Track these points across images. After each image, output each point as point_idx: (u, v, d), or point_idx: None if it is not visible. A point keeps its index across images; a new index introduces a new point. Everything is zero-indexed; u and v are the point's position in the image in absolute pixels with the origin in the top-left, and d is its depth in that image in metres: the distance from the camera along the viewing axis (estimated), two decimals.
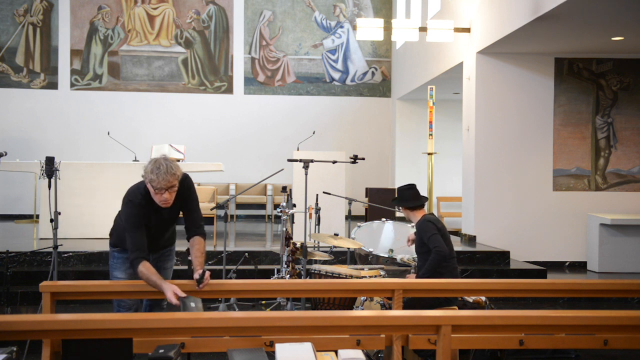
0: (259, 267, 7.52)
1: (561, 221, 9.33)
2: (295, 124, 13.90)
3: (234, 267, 7.28)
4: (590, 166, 9.39)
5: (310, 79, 14.19)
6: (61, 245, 4.91)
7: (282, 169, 7.65)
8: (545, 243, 9.31)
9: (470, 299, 4.86)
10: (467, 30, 9.35)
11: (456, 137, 12.09)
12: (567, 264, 9.36)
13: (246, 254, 7.93)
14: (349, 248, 6.63)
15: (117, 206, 4.44)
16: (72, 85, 13.73)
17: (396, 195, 5.31)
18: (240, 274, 7.23)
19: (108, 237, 4.40)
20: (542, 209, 9.33)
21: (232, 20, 14.05)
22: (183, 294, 3.80)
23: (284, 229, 6.43)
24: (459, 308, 4.68)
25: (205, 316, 3.29)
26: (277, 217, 12.25)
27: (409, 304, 4.56)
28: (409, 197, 5.09)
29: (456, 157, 12.10)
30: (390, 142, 14.30)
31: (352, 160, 6.48)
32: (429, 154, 9.54)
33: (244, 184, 13.32)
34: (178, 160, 9.24)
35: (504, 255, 8.39)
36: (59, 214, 4.67)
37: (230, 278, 6.77)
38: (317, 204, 7.06)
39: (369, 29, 9.52)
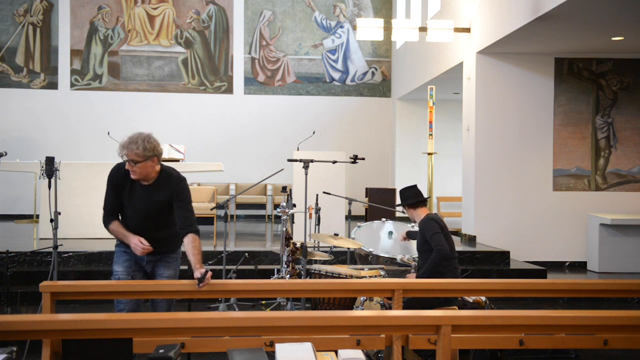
0: (259, 267, 7.52)
1: (561, 221, 9.33)
2: (295, 124, 13.90)
3: (234, 267, 7.28)
4: (590, 166, 9.39)
5: (310, 79, 14.19)
6: (61, 245, 4.91)
7: (282, 169, 7.65)
8: (545, 243, 9.31)
9: (470, 299, 4.86)
10: (467, 30, 9.35)
11: (456, 137, 12.09)
12: (567, 264, 9.36)
13: (246, 254, 7.93)
14: (349, 248, 6.63)
15: None
16: (72, 85, 13.73)
17: (398, 198, 5.35)
18: (240, 274, 7.23)
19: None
20: (542, 209, 9.33)
21: (232, 20, 14.05)
22: (147, 244, 4.06)
23: (284, 229, 6.43)
24: (459, 308, 4.68)
25: (205, 316, 3.29)
26: (277, 217, 12.25)
27: (409, 304, 4.56)
28: (410, 195, 5.14)
29: (456, 157, 12.10)
30: (390, 142, 14.30)
31: (352, 160, 6.48)
32: (429, 154, 9.54)
33: (244, 184, 13.31)
34: (177, 160, 9.24)
35: (504, 255, 8.39)
36: (59, 214, 4.67)
37: (230, 278, 6.77)
38: (317, 204, 7.06)
39: (369, 29, 9.52)
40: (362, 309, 4.89)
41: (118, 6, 13.81)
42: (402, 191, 5.22)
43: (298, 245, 5.95)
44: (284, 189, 6.99)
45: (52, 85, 13.67)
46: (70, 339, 3.01)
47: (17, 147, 12.61)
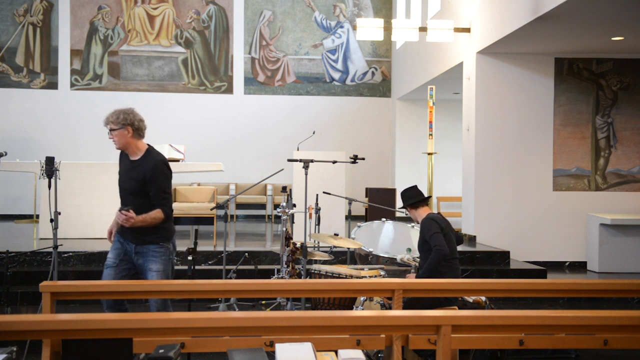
0: (259, 267, 7.52)
1: (561, 221, 9.33)
2: (295, 124, 13.90)
3: (234, 267, 7.28)
4: (590, 166, 9.39)
5: (310, 79, 14.19)
6: (61, 245, 4.91)
7: (282, 169, 7.65)
8: (545, 243, 9.31)
9: (470, 299, 4.86)
10: (467, 30, 9.35)
11: (456, 137, 12.09)
12: (567, 264, 9.36)
13: (246, 254, 7.93)
14: (349, 248, 6.63)
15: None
16: (72, 85, 13.73)
17: (400, 200, 5.36)
18: (240, 274, 7.23)
19: None
20: (542, 209, 9.33)
21: (232, 20, 14.05)
22: (128, 213, 4.22)
23: (284, 229, 6.43)
24: (459, 308, 4.68)
25: (205, 316, 3.29)
26: (277, 217, 12.25)
27: (409, 304, 4.56)
28: (411, 195, 5.14)
29: (456, 157, 12.10)
30: (390, 142, 14.30)
31: (352, 160, 6.48)
32: (429, 154, 9.54)
33: (244, 184, 13.31)
34: (177, 160, 9.24)
35: (504, 255, 8.39)
36: (59, 214, 4.68)
37: (230, 278, 6.77)
38: (317, 204, 7.06)
39: (369, 29, 9.52)
40: (362, 309, 4.89)
41: (118, 6, 13.81)
42: (403, 192, 5.23)
43: (298, 245, 5.95)
44: (284, 189, 6.99)
45: (52, 85, 13.67)
46: (70, 339, 3.01)
47: (17, 147, 12.61)
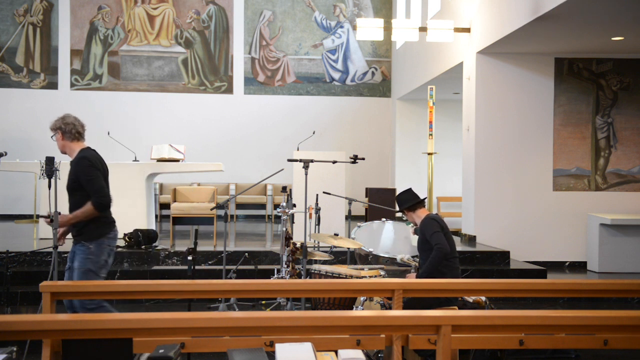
0: (259, 267, 7.52)
1: (561, 221, 9.33)
2: (295, 124, 13.90)
3: (234, 267, 7.28)
4: (590, 166, 9.39)
5: (310, 79, 14.19)
6: (61, 245, 4.91)
7: (282, 169, 7.65)
8: (545, 243, 9.31)
9: (470, 299, 4.86)
10: (467, 30, 9.35)
11: (456, 137, 12.08)
12: (567, 264, 9.36)
13: (246, 254, 7.93)
14: (349, 248, 6.63)
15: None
16: (72, 85, 13.73)
17: (397, 205, 5.38)
18: (240, 274, 7.23)
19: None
20: (542, 209, 9.33)
21: (232, 20, 14.05)
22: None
23: (284, 229, 6.43)
24: (459, 308, 4.68)
25: (205, 316, 3.29)
26: (277, 217, 12.25)
27: (409, 304, 4.57)
28: (407, 199, 5.18)
29: (456, 157, 12.09)
30: (390, 142, 14.30)
31: (352, 160, 6.48)
32: (429, 154, 9.54)
33: (244, 184, 13.31)
34: (177, 160, 9.24)
35: (504, 255, 8.39)
36: (59, 214, 4.67)
37: (230, 278, 6.77)
38: (317, 204, 7.06)
39: (369, 29, 9.52)
40: (362, 309, 4.89)
41: (118, 6, 13.81)
42: (398, 197, 5.29)
43: (298, 245, 5.95)
44: (284, 189, 6.99)
45: (52, 85, 13.67)
46: (70, 339, 3.01)
47: (17, 147, 12.60)
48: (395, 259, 5.83)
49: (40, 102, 13.55)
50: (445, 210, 13.40)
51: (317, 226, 7.04)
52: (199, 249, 6.69)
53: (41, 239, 8.70)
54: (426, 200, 6.70)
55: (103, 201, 4.60)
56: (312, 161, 5.79)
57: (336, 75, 14.24)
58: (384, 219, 6.57)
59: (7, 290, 6.58)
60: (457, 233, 9.88)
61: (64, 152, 4.85)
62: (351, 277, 5.18)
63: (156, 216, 11.40)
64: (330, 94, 14.20)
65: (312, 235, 6.38)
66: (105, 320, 3.09)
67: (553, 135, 9.34)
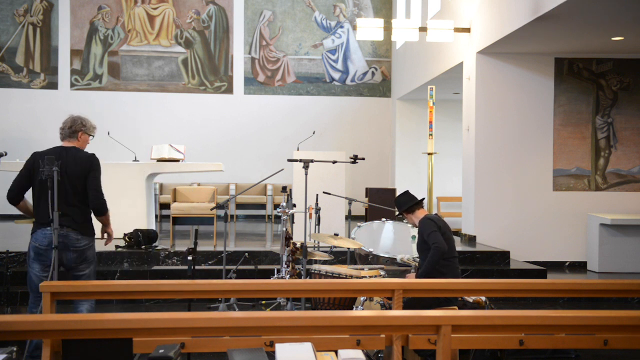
0: (259, 267, 7.52)
1: (561, 221, 9.33)
2: (295, 124, 13.90)
3: (234, 267, 7.28)
4: (590, 166, 9.39)
5: (310, 79, 14.19)
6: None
7: (282, 169, 7.65)
8: (545, 243, 9.31)
9: (470, 299, 4.86)
10: (467, 30, 9.35)
11: (456, 137, 12.09)
12: (567, 264, 9.36)
13: (246, 254, 7.93)
14: (349, 248, 6.63)
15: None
16: (72, 85, 13.73)
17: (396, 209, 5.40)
18: (240, 274, 7.23)
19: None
20: (542, 209, 9.33)
21: (232, 20, 14.05)
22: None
23: (284, 229, 6.43)
24: (459, 308, 4.68)
25: (205, 316, 3.29)
26: (277, 217, 12.25)
27: (409, 304, 4.57)
28: (405, 201, 5.19)
29: (456, 157, 12.10)
30: (390, 142, 14.30)
31: (352, 160, 6.48)
32: (429, 154, 9.54)
33: (244, 184, 13.31)
34: (177, 160, 9.24)
35: (504, 255, 8.39)
36: (60, 213, 4.67)
37: (230, 278, 6.77)
38: (317, 204, 7.06)
39: (369, 29, 9.52)
40: (362, 309, 4.89)
41: (118, 6, 13.81)
42: (397, 200, 5.30)
43: (298, 245, 5.95)
44: (284, 189, 6.98)
45: (52, 85, 13.67)
46: (70, 339, 3.01)
47: (17, 147, 12.58)
48: (395, 259, 5.84)
49: (40, 102, 13.55)
50: (445, 210, 13.41)
51: (317, 226, 7.04)
52: (199, 249, 6.70)
53: None
54: (425, 200, 6.70)
55: (104, 201, 4.74)
56: (312, 161, 5.79)
57: (336, 75, 14.24)
58: (384, 219, 6.57)
59: (7, 290, 6.58)
60: (457, 233, 9.88)
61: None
62: (351, 277, 5.18)
63: (156, 216, 11.40)
64: (330, 94, 14.20)
65: (312, 235, 6.38)
66: (105, 320, 3.10)
67: (553, 135, 9.34)
